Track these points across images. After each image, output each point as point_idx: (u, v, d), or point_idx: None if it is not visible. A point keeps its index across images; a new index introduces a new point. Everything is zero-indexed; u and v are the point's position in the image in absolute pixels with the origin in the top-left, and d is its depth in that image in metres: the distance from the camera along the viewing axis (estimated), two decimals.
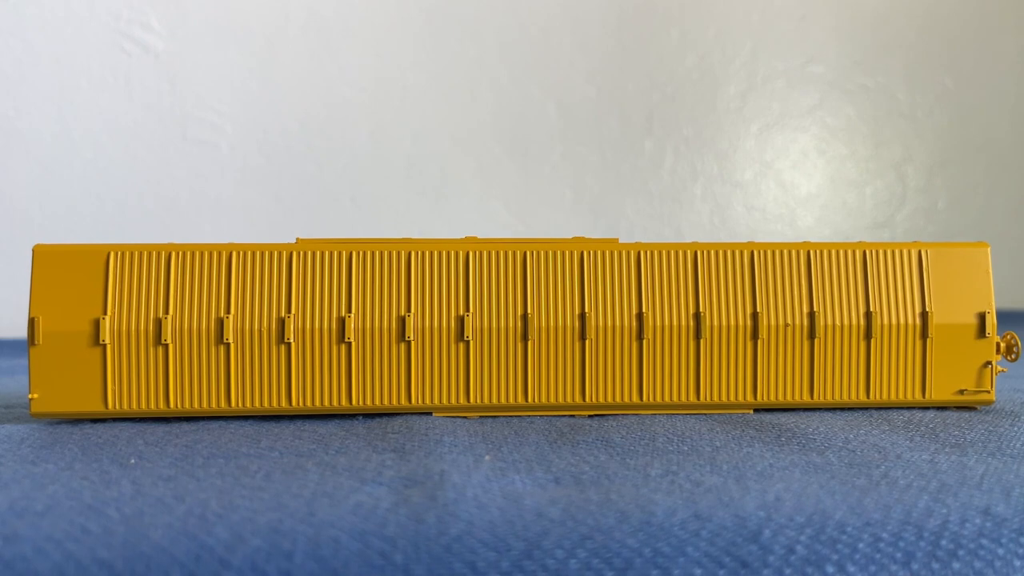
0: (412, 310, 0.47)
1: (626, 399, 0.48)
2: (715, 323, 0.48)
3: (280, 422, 0.46)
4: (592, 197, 1.28)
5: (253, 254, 0.47)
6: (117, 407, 0.45)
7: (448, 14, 1.24)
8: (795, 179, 1.32)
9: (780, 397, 0.48)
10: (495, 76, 1.25)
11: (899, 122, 1.33)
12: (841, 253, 0.49)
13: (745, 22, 1.30)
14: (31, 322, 0.45)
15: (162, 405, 0.46)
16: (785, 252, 0.49)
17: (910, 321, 0.48)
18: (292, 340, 0.46)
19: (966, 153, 1.35)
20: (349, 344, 0.46)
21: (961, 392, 0.49)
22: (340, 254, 0.47)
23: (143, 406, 0.46)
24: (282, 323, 0.46)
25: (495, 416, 0.47)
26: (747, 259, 0.49)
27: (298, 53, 1.21)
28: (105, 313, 0.45)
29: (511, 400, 0.47)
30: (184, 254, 0.47)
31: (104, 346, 0.45)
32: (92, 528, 0.25)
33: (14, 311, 1.05)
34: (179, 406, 0.46)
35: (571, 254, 0.48)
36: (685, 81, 1.29)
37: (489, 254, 0.48)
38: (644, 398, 0.48)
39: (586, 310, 0.47)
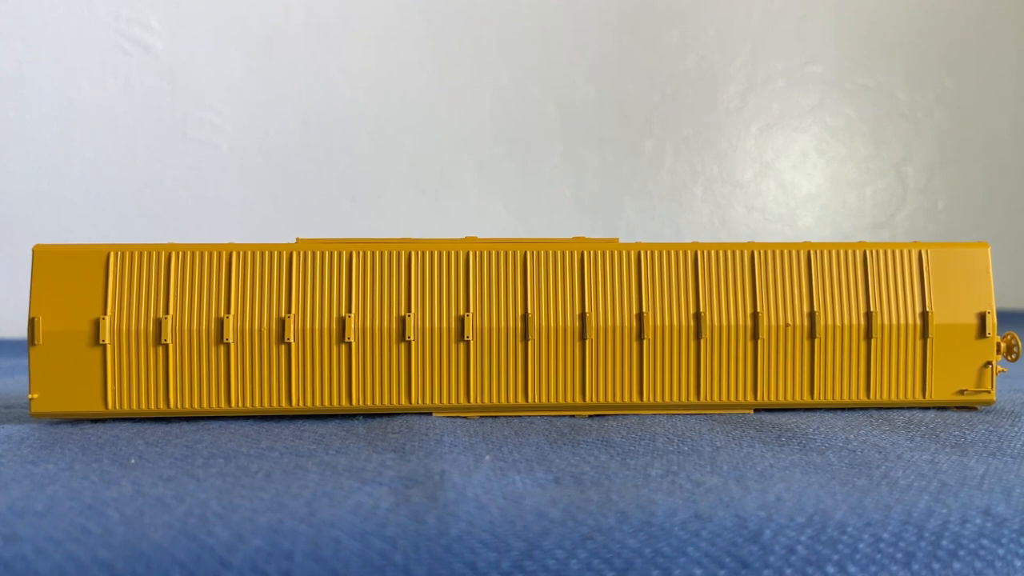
0: (412, 310, 0.47)
1: (626, 399, 0.48)
2: (715, 323, 0.48)
3: (280, 422, 0.46)
4: (592, 197, 1.28)
5: (253, 254, 0.47)
6: (117, 407, 0.45)
7: (448, 14, 1.24)
8: (795, 179, 1.32)
9: (780, 397, 0.48)
10: (495, 76, 1.25)
11: (899, 122, 1.33)
12: (841, 253, 0.49)
13: (745, 22, 1.30)
14: (31, 322, 0.45)
15: (162, 405, 0.46)
16: (785, 252, 0.49)
17: (910, 321, 0.48)
18: (292, 340, 0.46)
19: (966, 153, 1.35)
20: (349, 344, 0.46)
21: (961, 392, 0.49)
22: (340, 254, 0.47)
23: (143, 406, 0.46)
24: (282, 323, 0.46)
25: (495, 416, 0.47)
26: (747, 259, 0.49)
27: (298, 53, 1.21)
28: (105, 313, 0.45)
29: (511, 400, 0.47)
30: (184, 254, 0.46)
31: (104, 346, 0.45)
32: (92, 528, 0.25)
33: (14, 311, 1.05)
34: (179, 406, 0.46)
35: (571, 254, 0.48)
36: (685, 81, 1.29)
37: (489, 254, 0.48)
38: (644, 398, 0.48)
39: (586, 310, 0.47)
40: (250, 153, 1.20)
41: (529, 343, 0.47)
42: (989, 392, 0.49)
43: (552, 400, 0.47)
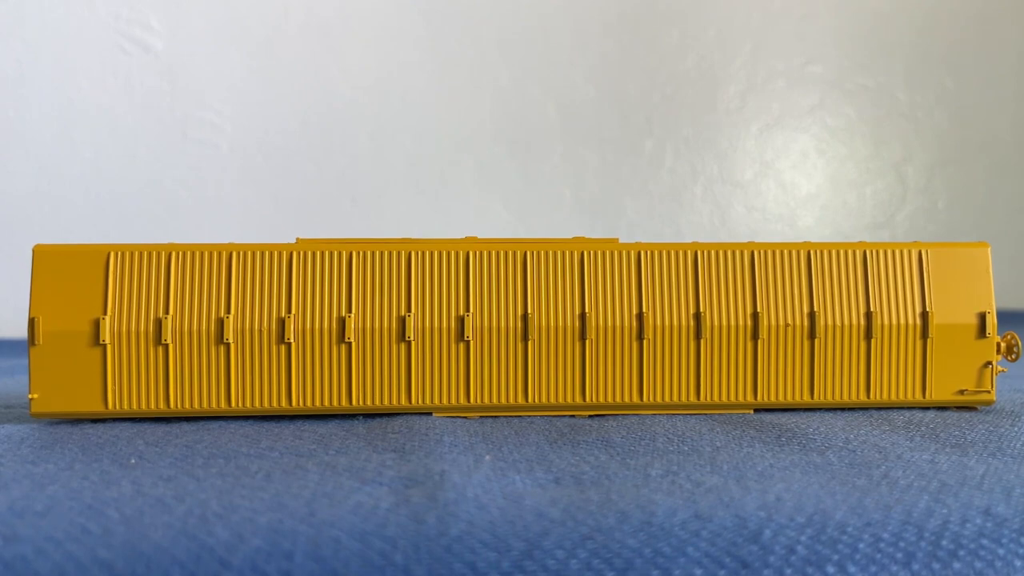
0: (412, 310, 0.47)
1: (626, 399, 0.48)
2: (715, 323, 0.48)
3: (280, 422, 0.46)
4: (592, 197, 1.27)
5: (253, 254, 0.47)
6: (117, 407, 0.45)
7: (448, 14, 1.24)
8: (795, 179, 1.32)
9: (780, 397, 0.48)
10: (495, 76, 1.25)
11: (899, 122, 1.33)
12: (841, 253, 0.49)
13: (745, 22, 1.30)
14: (31, 322, 0.45)
15: (162, 405, 0.46)
16: (785, 252, 0.49)
17: (910, 321, 0.48)
18: (292, 340, 0.46)
19: (966, 153, 1.35)
20: (349, 344, 0.46)
21: (961, 392, 0.49)
22: (340, 254, 0.47)
23: (143, 406, 0.46)
24: (282, 323, 0.46)
25: (495, 416, 0.47)
26: (747, 259, 0.49)
27: (298, 53, 1.21)
28: (105, 313, 0.45)
29: (511, 400, 0.47)
30: (184, 254, 0.46)
31: (104, 346, 0.45)
32: (92, 528, 0.25)
33: (14, 311, 1.05)
34: (179, 406, 0.46)
35: (571, 254, 0.48)
36: (685, 81, 1.29)
37: (489, 254, 0.48)
38: (644, 398, 0.48)
39: (586, 310, 0.47)
40: (250, 153, 1.20)
41: (529, 343, 0.47)
42: (989, 392, 0.49)
43: (552, 400, 0.47)
